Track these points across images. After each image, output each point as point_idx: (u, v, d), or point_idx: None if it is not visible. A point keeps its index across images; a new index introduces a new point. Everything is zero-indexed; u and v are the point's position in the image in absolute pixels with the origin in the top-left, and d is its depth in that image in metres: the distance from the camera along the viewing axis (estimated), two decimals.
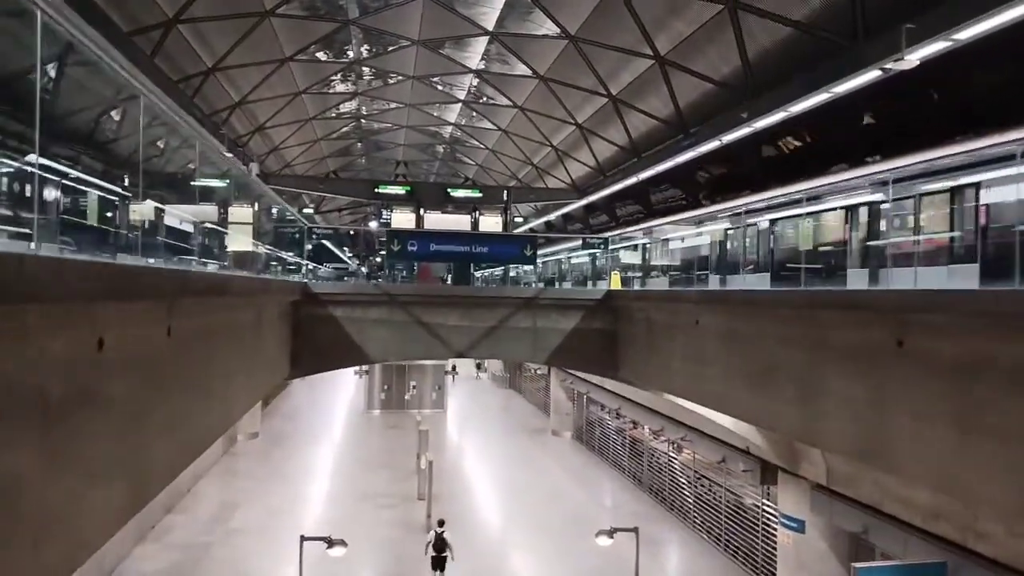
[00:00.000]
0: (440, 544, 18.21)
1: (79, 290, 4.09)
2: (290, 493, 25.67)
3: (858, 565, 11.18)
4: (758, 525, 19.25)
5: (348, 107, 44.96)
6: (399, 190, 26.00)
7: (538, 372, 48.01)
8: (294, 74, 36.22)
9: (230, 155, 12.19)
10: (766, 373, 9.29)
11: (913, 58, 10.99)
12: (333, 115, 45.63)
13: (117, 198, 6.34)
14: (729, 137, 16.96)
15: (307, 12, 30.00)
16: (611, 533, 12.69)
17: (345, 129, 49.85)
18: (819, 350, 8.07)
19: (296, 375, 14.92)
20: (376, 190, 26.50)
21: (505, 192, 23.91)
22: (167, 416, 5.94)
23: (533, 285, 24.64)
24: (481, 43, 33.49)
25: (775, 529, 18.43)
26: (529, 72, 34.78)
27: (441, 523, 18.56)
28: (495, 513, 24.95)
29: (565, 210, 36.58)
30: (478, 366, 63.33)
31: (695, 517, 22.83)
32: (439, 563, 18.29)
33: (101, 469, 4.57)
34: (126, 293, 4.47)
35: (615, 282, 16.40)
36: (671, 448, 24.95)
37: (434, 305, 15.43)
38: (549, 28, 29.43)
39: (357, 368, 45.92)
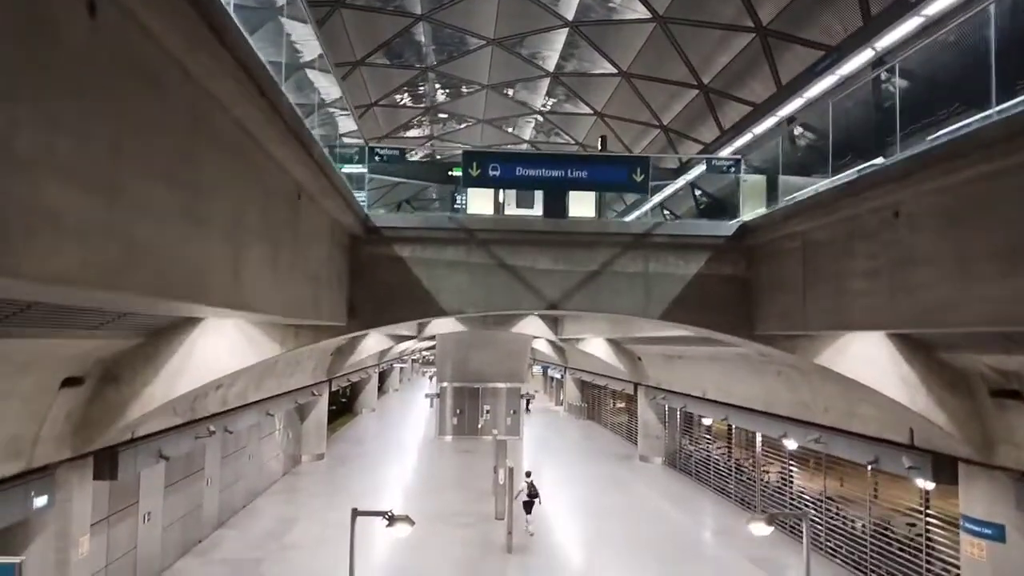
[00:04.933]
0: (532, 490, 21.78)
1: None
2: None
3: None
4: (919, 542, 15.56)
5: (420, 124, 43.77)
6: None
7: (618, 405, 44.74)
8: (366, 82, 35.00)
9: None
10: None
11: None
12: (404, 134, 44.44)
13: None
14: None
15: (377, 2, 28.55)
16: (771, 520, 9.49)
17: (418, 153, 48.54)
18: None
19: (355, 328, 12.36)
20: (450, 173, 24.23)
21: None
22: (100, 177, 3.32)
23: None
24: (560, 37, 31.43)
25: (944, 544, 14.78)
26: (611, 69, 32.48)
27: (528, 474, 22.74)
28: (588, 535, 21.86)
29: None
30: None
31: (827, 541, 19.09)
32: (529, 506, 21.68)
33: None
34: None
35: None
36: (793, 461, 21.37)
37: (521, 244, 12.72)
38: (637, 10, 27.06)
39: (427, 392, 43.42)
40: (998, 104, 7.29)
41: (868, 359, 12.01)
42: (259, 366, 21.14)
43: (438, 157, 48.01)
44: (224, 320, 11.79)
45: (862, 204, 8.90)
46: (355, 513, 9.63)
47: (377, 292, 12.39)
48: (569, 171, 13.02)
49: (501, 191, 16.42)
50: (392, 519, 9.61)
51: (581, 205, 14.53)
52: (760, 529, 9.57)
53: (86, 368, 10.95)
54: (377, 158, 14.02)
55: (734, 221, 12.77)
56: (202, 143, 5.11)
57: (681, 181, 26.19)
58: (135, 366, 11.58)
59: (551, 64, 34.62)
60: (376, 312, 12.40)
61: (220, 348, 11.83)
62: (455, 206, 19.40)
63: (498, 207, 15.56)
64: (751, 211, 13.80)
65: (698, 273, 12.67)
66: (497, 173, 12.93)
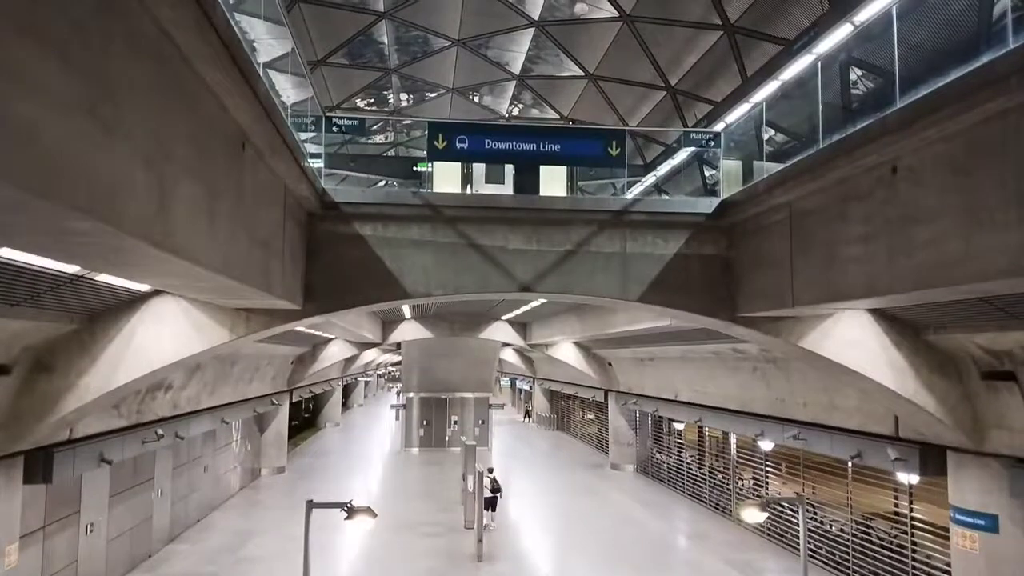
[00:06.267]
0: (494, 485, 21.53)
1: None
2: (317, 521, 21.86)
3: None
4: (903, 540, 15.05)
5: (384, 130, 42.98)
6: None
7: (587, 416, 44.09)
8: (327, 83, 34.10)
9: None
10: None
11: None
12: (369, 139, 43.57)
13: None
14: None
15: None
16: (765, 505, 8.85)
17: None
18: None
19: (312, 312, 11.48)
20: (415, 168, 23.42)
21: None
22: None
23: None
24: (526, 38, 30.89)
25: (929, 541, 14.29)
26: (578, 71, 32.05)
27: (491, 470, 22.13)
28: (559, 543, 21.08)
29: None
30: None
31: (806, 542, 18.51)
32: (492, 502, 21.42)
33: None
34: None
35: None
36: (768, 462, 20.87)
37: (491, 222, 12.01)
38: (603, 8, 26.63)
39: (393, 403, 42.35)
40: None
41: (854, 342, 11.49)
42: (213, 371, 20.14)
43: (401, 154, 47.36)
44: (166, 302, 10.86)
45: (856, 163, 8.33)
46: (310, 505, 8.82)
47: (336, 273, 11.56)
48: (541, 144, 12.34)
49: (468, 184, 15.64)
50: (352, 511, 8.78)
51: (549, 187, 13.81)
52: (753, 516, 8.93)
53: (12, 355, 9.93)
54: (335, 128, 13.22)
55: (715, 198, 12.20)
56: (117, 37, 4.31)
57: (651, 178, 25.62)
58: (70, 354, 10.58)
59: (517, 66, 34.08)
60: (336, 295, 11.56)
61: (163, 334, 10.88)
62: None
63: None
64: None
65: (678, 253, 12.06)
66: (465, 146, 12.18)
